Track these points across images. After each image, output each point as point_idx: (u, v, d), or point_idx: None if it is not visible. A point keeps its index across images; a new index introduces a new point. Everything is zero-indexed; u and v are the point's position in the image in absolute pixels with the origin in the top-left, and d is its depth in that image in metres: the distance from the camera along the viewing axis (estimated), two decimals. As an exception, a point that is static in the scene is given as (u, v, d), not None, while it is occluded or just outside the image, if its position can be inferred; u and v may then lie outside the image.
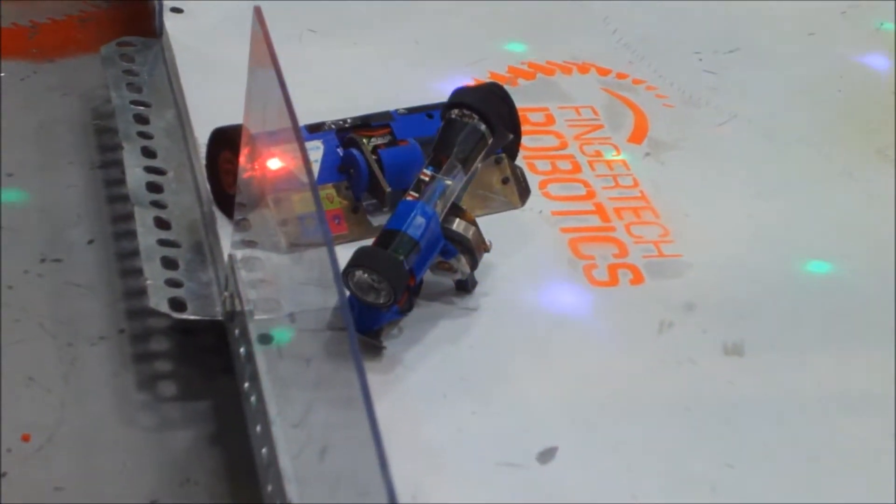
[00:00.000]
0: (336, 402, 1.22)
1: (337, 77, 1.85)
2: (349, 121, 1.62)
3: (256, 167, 1.45)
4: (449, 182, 1.48)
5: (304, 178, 1.35)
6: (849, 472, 1.37)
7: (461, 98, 1.55)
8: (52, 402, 1.53)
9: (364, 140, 1.60)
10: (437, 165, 1.49)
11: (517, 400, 1.41)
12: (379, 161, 1.58)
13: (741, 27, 2.09)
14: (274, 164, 1.44)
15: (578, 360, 1.47)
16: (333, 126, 1.61)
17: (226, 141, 1.57)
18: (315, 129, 1.60)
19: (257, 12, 1.34)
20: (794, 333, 1.54)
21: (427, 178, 1.48)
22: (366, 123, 1.62)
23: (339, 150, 1.59)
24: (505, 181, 1.66)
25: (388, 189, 1.56)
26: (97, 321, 1.64)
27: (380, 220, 1.57)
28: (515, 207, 1.66)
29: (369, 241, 1.49)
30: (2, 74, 2.04)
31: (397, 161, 1.58)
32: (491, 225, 1.55)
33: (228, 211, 1.56)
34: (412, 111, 1.66)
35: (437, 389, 1.41)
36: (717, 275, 1.61)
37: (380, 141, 1.61)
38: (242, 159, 1.45)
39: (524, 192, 1.67)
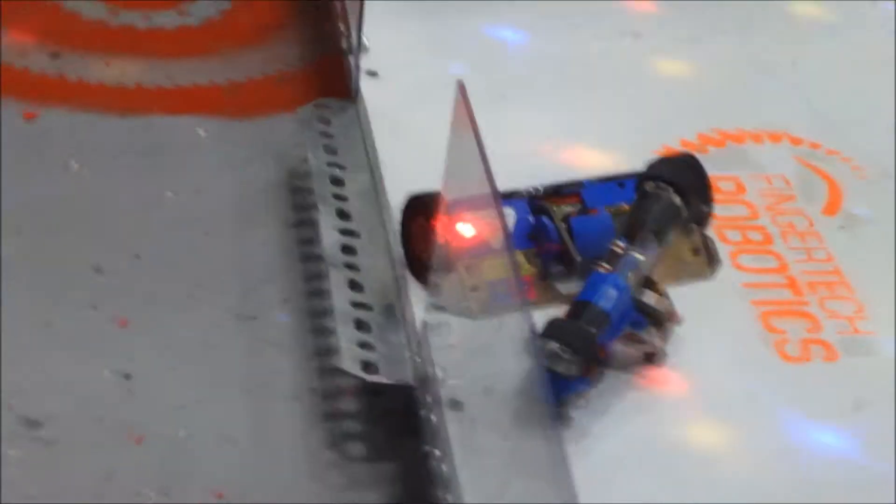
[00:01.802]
0: (534, 474, 1.22)
1: (529, 143, 1.86)
2: (540, 188, 1.63)
3: (451, 233, 1.47)
4: (641, 256, 1.48)
5: (498, 245, 1.37)
6: None
7: (657, 170, 1.55)
8: (245, 460, 1.56)
9: (555, 208, 1.60)
10: (630, 237, 1.50)
11: (707, 477, 1.40)
12: (569, 229, 1.58)
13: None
14: (468, 230, 1.46)
15: (770, 438, 1.45)
16: (525, 193, 1.62)
17: (420, 208, 1.59)
18: (506, 196, 1.60)
19: (461, 86, 1.36)
20: None
21: (620, 251, 1.48)
22: (557, 191, 1.63)
23: (530, 218, 1.60)
24: (696, 251, 1.64)
25: (578, 258, 1.57)
26: (289, 379, 1.67)
27: (568, 289, 1.57)
28: (705, 278, 1.65)
29: (557, 309, 1.50)
30: (202, 133, 2.10)
31: (587, 230, 1.58)
32: (680, 296, 1.54)
33: (420, 275, 1.58)
34: (603, 180, 1.66)
35: (625, 463, 1.41)
36: (915, 353, 1.58)
37: (570, 209, 1.62)
38: (437, 226, 1.47)
39: (715, 263, 1.65)
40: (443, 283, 1.52)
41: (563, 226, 1.58)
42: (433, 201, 1.49)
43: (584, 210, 1.62)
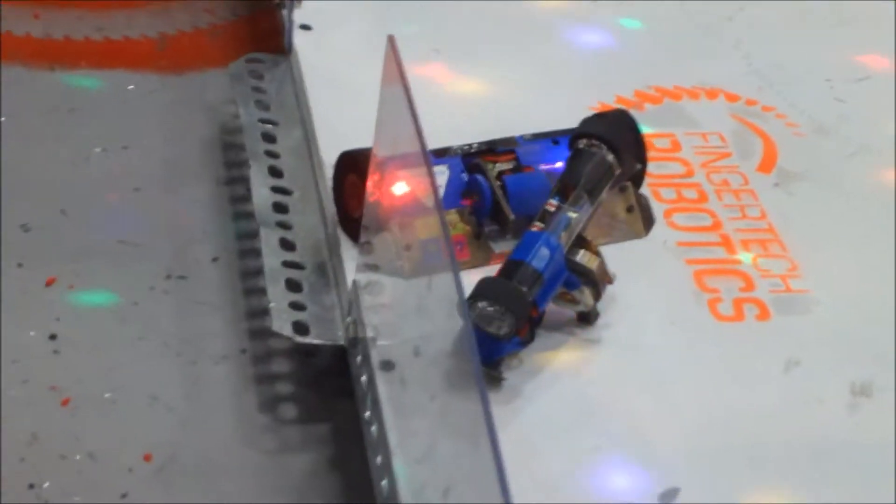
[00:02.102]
0: (460, 434, 1.21)
1: (463, 100, 1.85)
2: (475, 146, 1.61)
3: (383, 191, 1.45)
4: (574, 214, 1.47)
5: (430, 204, 1.35)
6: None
7: (589, 128, 1.54)
8: (174, 422, 1.54)
9: (489, 166, 1.59)
10: (563, 196, 1.48)
11: (639, 436, 1.40)
12: (503, 187, 1.57)
13: (872, 54, 2.04)
14: (400, 188, 1.44)
15: (702, 397, 1.45)
16: (459, 151, 1.60)
17: (353, 165, 1.57)
18: (440, 154, 1.59)
19: (391, 41, 1.33)
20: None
21: (553, 209, 1.47)
22: (491, 149, 1.61)
23: (464, 176, 1.59)
24: (629, 210, 1.64)
25: (512, 216, 1.56)
26: (220, 340, 1.65)
27: (502, 247, 1.56)
28: (639, 237, 1.64)
29: (491, 267, 1.49)
30: (131, 87, 2.06)
31: (521, 188, 1.57)
32: (614, 254, 1.54)
33: (353, 233, 1.56)
34: (538, 137, 1.65)
35: (557, 423, 1.40)
36: (846, 311, 1.58)
37: (505, 167, 1.60)
38: (369, 183, 1.45)
39: (648, 221, 1.65)
40: (375, 242, 1.50)
41: (497, 183, 1.57)
42: (366, 158, 1.46)
43: (519, 168, 1.60)
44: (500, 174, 1.58)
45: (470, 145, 1.61)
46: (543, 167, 1.60)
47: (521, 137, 1.64)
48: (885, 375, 1.49)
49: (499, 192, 1.56)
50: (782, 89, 1.94)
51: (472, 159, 1.59)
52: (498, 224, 1.58)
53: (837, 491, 1.35)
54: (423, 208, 1.41)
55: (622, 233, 1.63)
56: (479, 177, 1.57)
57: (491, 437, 1.07)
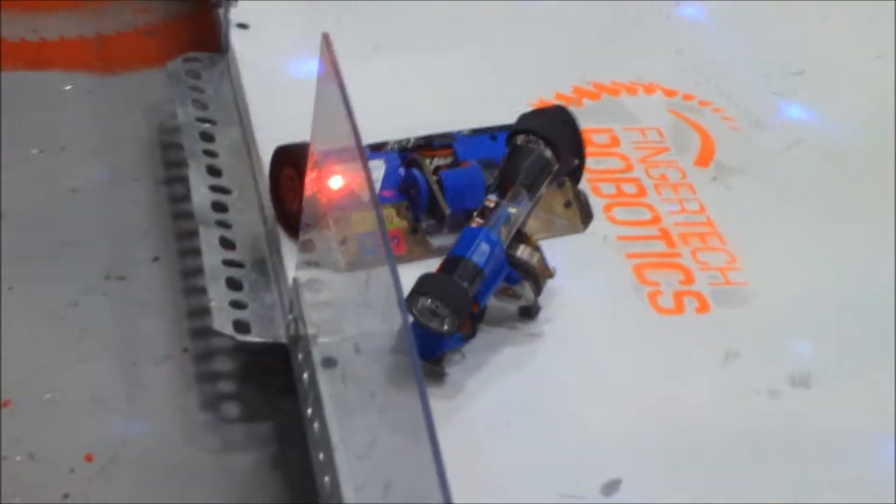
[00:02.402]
0: (400, 429, 1.21)
1: (402, 95, 1.84)
2: (412, 140, 1.62)
3: (320, 186, 1.45)
4: (513, 209, 1.47)
5: (366, 198, 1.35)
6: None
7: (527, 124, 1.54)
8: (115, 422, 1.54)
9: (426, 160, 1.59)
10: (502, 192, 1.49)
11: (581, 430, 1.40)
12: (440, 182, 1.57)
13: (808, 49, 2.06)
14: (336, 182, 1.44)
15: (643, 389, 1.45)
16: (396, 145, 1.61)
17: (288, 158, 1.57)
18: (377, 149, 1.59)
19: (325, 39, 1.33)
20: (862, 364, 1.52)
21: (492, 205, 1.47)
22: (429, 143, 1.62)
23: (401, 170, 1.59)
24: (567, 205, 1.65)
25: (448, 211, 1.56)
26: (161, 340, 1.64)
27: (439, 242, 1.57)
28: (578, 231, 1.65)
29: (428, 262, 1.49)
30: (68, 87, 2.05)
31: (458, 183, 1.58)
32: (555, 249, 1.54)
33: (290, 227, 1.57)
34: (476, 132, 1.65)
35: (499, 418, 1.40)
36: (784, 303, 1.59)
37: (442, 162, 1.60)
38: (306, 178, 1.45)
39: (586, 216, 1.66)
40: (314, 237, 1.50)
41: (433, 178, 1.57)
42: (301, 152, 1.47)
43: (457, 163, 1.61)
44: (437, 169, 1.59)
45: (408, 140, 1.61)
46: (480, 162, 1.61)
47: (460, 133, 1.64)
48: (824, 366, 1.50)
49: (435, 187, 1.57)
50: (719, 84, 1.95)
51: (409, 154, 1.60)
52: (434, 219, 1.58)
53: (776, 481, 1.36)
54: (360, 203, 1.41)
55: (560, 228, 1.64)
56: (416, 171, 1.58)
57: (430, 433, 1.07)
